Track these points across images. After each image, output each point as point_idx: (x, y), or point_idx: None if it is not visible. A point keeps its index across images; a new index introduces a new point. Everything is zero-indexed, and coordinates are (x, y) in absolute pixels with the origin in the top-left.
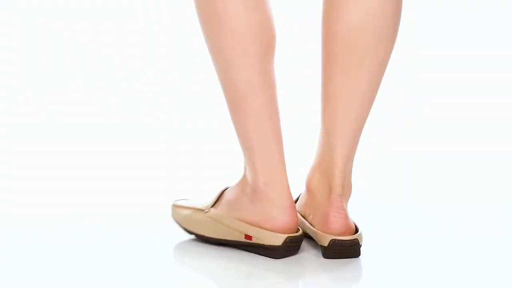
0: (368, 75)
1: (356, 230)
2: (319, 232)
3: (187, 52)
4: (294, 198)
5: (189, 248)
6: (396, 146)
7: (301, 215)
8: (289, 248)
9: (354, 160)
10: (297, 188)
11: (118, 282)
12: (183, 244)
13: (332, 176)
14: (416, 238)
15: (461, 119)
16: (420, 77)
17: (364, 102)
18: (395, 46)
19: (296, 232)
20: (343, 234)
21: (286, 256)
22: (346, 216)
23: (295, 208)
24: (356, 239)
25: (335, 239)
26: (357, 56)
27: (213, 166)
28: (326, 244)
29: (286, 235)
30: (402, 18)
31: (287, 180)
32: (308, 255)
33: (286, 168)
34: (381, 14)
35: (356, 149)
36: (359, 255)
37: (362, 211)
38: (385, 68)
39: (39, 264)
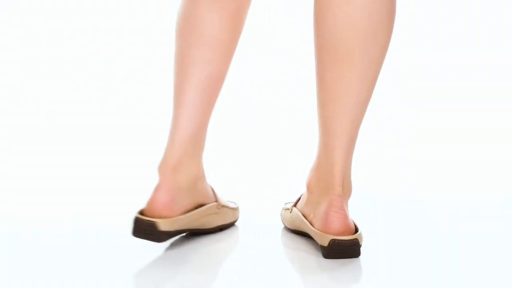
0: (361, 75)
1: (356, 230)
2: (319, 232)
3: None
4: (296, 198)
5: (189, 248)
6: (395, 145)
7: (302, 214)
8: (140, 229)
9: (353, 160)
10: (298, 188)
11: (118, 282)
12: (183, 243)
13: (331, 177)
14: (416, 238)
15: (460, 118)
16: (419, 76)
17: (360, 102)
18: (395, 47)
19: (163, 217)
20: (343, 234)
21: (140, 238)
22: (345, 216)
23: (168, 192)
24: (356, 239)
25: (335, 239)
26: (347, 56)
27: (213, 166)
28: (326, 244)
29: (136, 215)
30: (400, 19)
31: (170, 160)
32: (308, 255)
33: (183, 153)
34: (373, 14)
35: (354, 149)
36: (359, 255)
37: (362, 211)
38: (380, 68)
39: (39, 264)
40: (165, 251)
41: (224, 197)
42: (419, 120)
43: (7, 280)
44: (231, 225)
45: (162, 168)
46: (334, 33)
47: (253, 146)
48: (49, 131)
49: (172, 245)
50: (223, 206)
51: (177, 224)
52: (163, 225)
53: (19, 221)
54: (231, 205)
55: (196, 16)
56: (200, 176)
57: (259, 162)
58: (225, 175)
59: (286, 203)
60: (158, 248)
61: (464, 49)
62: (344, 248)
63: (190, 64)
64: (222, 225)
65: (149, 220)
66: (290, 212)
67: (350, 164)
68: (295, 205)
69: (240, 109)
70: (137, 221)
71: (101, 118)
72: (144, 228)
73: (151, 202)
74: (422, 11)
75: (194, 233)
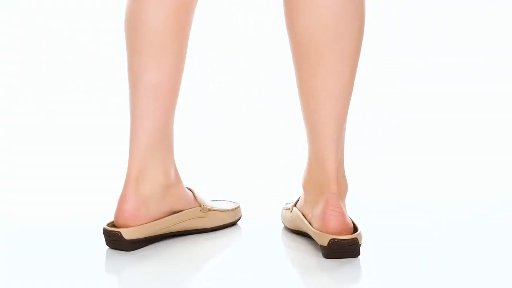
0: (336, 73)
1: (356, 229)
2: (318, 232)
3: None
4: (296, 198)
5: (188, 248)
6: (394, 147)
7: (302, 214)
8: (108, 240)
9: (345, 158)
10: (298, 188)
11: (119, 282)
12: (183, 243)
13: (325, 175)
14: (415, 238)
15: (457, 122)
16: (416, 80)
17: (340, 99)
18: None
19: (129, 226)
20: (341, 232)
21: (111, 248)
22: (342, 214)
23: (132, 202)
24: (356, 238)
25: (334, 239)
26: (319, 55)
27: (214, 166)
28: (325, 244)
29: (104, 226)
30: (385, 22)
31: (132, 171)
32: (308, 255)
33: (144, 164)
34: (341, 13)
35: (343, 146)
36: (359, 254)
37: (361, 211)
38: (355, 65)
39: (39, 264)
40: (165, 251)
41: (208, 200)
42: (417, 123)
43: (7, 280)
44: (226, 226)
45: (125, 179)
46: (305, 33)
47: (254, 146)
48: (49, 131)
49: (171, 245)
50: (210, 209)
51: (144, 231)
52: (127, 234)
53: (19, 221)
54: (227, 206)
55: (140, 14)
56: (171, 183)
57: (260, 162)
58: (225, 175)
59: (286, 203)
60: (158, 248)
61: (450, 52)
62: (343, 248)
63: (137, 72)
64: (214, 227)
65: (112, 231)
66: (291, 212)
67: (342, 161)
68: (295, 205)
69: (241, 109)
70: (104, 232)
71: (101, 118)
72: (112, 239)
73: (116, 213)
74: (417, 13)
75: (184, 234)
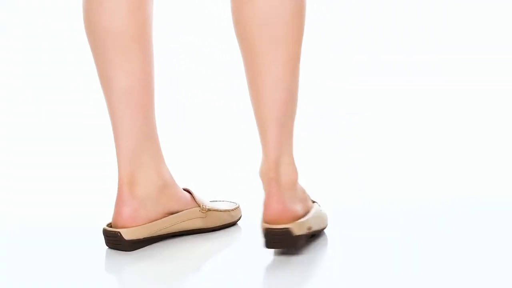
0: (273, 61)
1: (300, 218)
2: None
3: (186, 51)
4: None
5: (189, 248)
6: (381, 145)
7: None
8: (108, 240)
9: (293, 149)
10: None
11: (119, 282)
12: (183, 243)
13: (267, 163)
14: (408, 237)
15: (451, 120)
16: (413, 78)
17: (280, 86)
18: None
19: (128, 227)
20: (278, 219)
21: (111, 248)
22: (278, 201)
23: (129, 204)
24: (287, 228)
25: (266, 228)
26: (256, 52)
27: (214, 166)
28: (262, 233)
29: (104, 226)
30: (391, 17)
31: (123, 176)
32: (308, 256)
33: (133, 168)
34: (277, 12)
35: (291, 133)
36: (295, 245)
37: (356, 211)
38: (295, 52)
39: (39, 264)
40: (165, 250)
41: (208, 201)
42: (409, 121)
43: (7, 280)
44: (226, 226)
45: (118, 184)
46: (242, 29)
47: (253, 146)
48: (49, 131)
49: (170, 245)
50: (209, 209)
51: (144, 231)
52: (127, 234)
53: (19, 221)
54: (226, 206)
55: (96, 19)
56: (166, 184)
57: (259, 162)
58: (225, 175)
59: None
60: (157, 247)
61: (427, 48)
62: (274, 238)
63: (105, 77)
64: (214, 227)
65: (112, 231)
66: None
67: (290, 150)
68: None
69: (240, 110)
70: (104, 233)
71: (101, 118)
72: (112, 239)
73: (114, 217)
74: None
75: (184, 235)
